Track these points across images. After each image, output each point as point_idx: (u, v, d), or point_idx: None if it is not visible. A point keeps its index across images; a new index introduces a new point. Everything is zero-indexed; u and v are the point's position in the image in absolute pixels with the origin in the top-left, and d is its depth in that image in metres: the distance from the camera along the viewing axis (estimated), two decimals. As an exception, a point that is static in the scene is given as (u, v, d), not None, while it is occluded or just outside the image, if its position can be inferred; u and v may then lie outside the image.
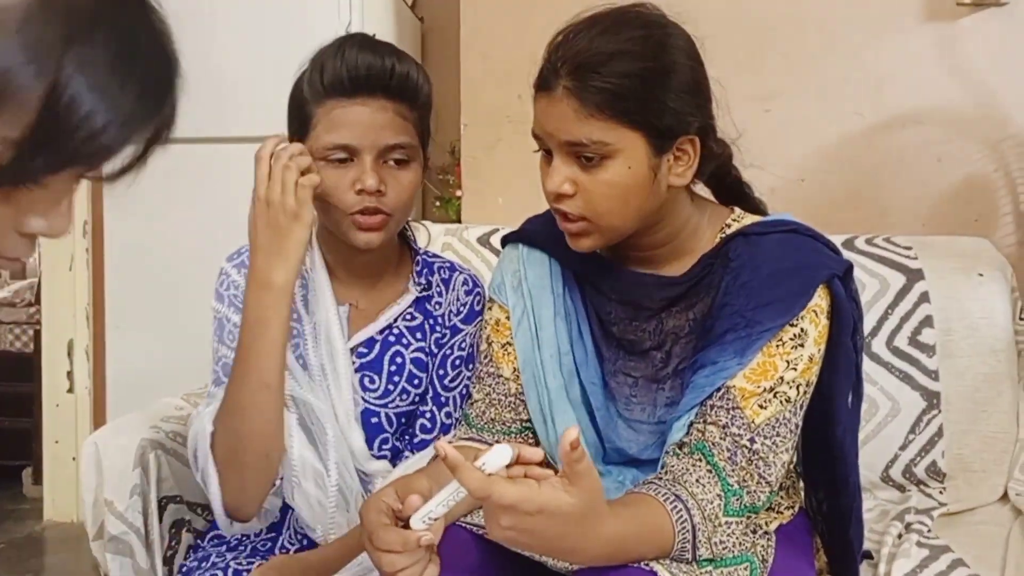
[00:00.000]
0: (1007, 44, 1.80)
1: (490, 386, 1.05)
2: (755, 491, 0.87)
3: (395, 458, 1.14)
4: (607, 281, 1.00)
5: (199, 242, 2.11)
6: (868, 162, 1.87)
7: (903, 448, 1.39)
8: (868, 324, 1.41)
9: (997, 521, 1.32)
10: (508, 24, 1.99)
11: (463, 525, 0.92)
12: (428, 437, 1.13)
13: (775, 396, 0.88)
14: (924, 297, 1.43)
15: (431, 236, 1.58)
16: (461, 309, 1.16)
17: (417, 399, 1.14)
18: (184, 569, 1.13)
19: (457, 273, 1.19)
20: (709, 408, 0.89)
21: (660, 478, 0.87)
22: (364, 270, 1.14)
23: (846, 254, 0.97)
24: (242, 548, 1.11)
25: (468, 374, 1.15)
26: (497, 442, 0.97)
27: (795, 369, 0.89)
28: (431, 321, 1.15)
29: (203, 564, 1.09)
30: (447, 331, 1.15)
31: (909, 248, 1.49)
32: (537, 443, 1.04)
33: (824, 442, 0.98)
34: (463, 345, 1.15)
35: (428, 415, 1.14)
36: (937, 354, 1.41)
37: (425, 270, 1.17)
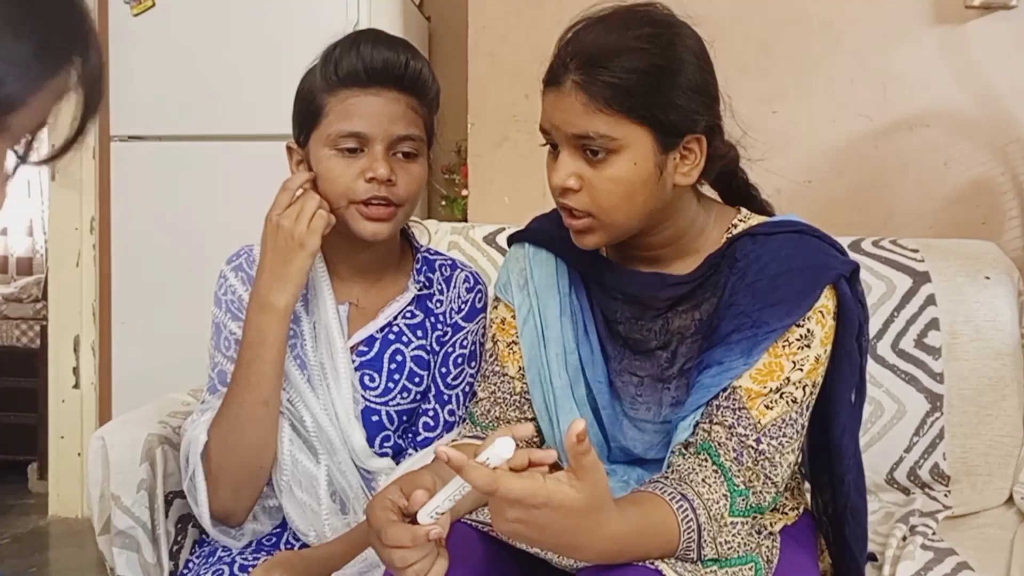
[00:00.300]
0: (1015, 47, 1.79)
1: (495, 384, 1.05)
2: (761, 492, 0.87)
3: (397, 456, 1.15)
4: (613, 281, 1.00)
5: (205, 238, 2.12)
6: (875, 164, 1.86)
7: (908, 451, 1.39)
8: (874, 326, 1.40)
9: (1002, 524, 1.32)
10: (515, 23, 1.99)
11: (468, 522, 0.92)
12: (431, 435, 1.14)
13: (781, 397, 0.88)
14: (930, 300, 1.43)
15: (431, 235, 1.59)
16: (462, 307, 1.16)
17: (419, 397, 1.14)
18: (190, 564, 1.13)
19: (458, 270, 1.19)
20: (715, 408, 0.89)
21: (666, 477, 0.87)
22: (365, 268, 1.14)
23: (852, 256, 0.97)
24: (247, 543, 1.12)
25: (470, 371, 1.15)
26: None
27: (801, 370, 0.89)
28: (432, 319, 1.15)
29: (209, 559, 1.10)
30: (448, 329, 1.15)
31: (916, 251, 1.48)
32: (542, 442, 1.04)
33: (824, 442, 0.98)
34: (465, 343, 1.15)
35: (431, 413, 1.14)
36: (943, 357, 1.41)
37: (425, 267, 1.17)
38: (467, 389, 1.15)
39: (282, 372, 1.05)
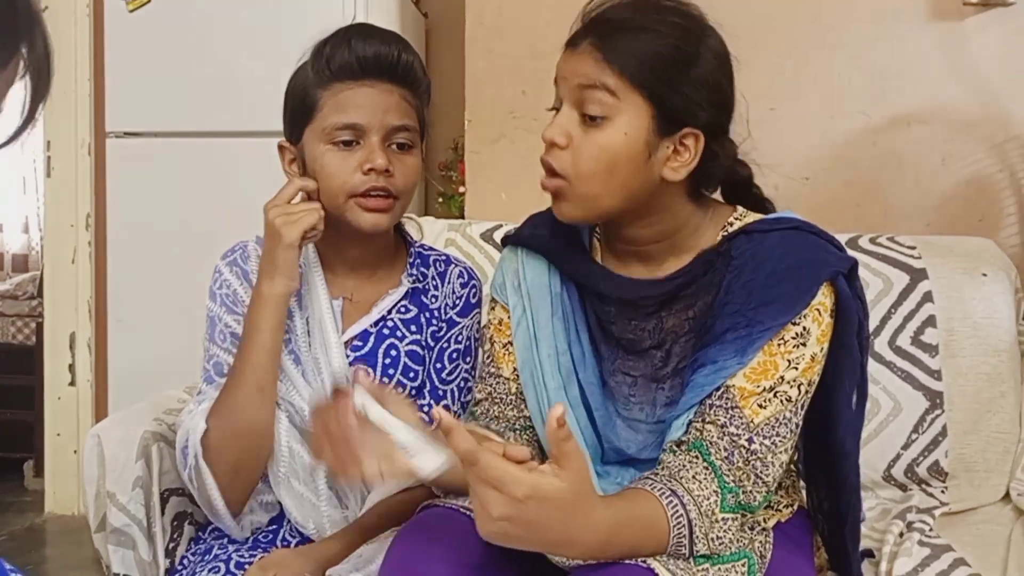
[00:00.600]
0: (1013, 44, 1.79)
1: (492, 386, 1.05)
2: (751, 491, 0.87)
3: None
4: (605, 287, 0.99)
5: (201, 235, 2.11)
6: (873, 162, 1.86)
7: (905, 448, 1.39)
8: (871, 323, 1.40)
9: (999, 521, 1.32)
10: (512, 20, 1.99)
11: (467, 512, 0.91)
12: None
13: (775, 396, 0.88)
14: (928, 297, 1.43)
15: (423, 231, 1.58)
16: (457, 302, 1.16)
17: (414, 392, 1.14)
18: (186, 561, 1.13)
19: (453, 266, 1.19)
20: (708, 407, 0.88)
21: (656, 474, 0.87)
22: (359, 262, 1.14)
23: (850, 253, 0.97)
24: (243, 541, 1.12)
25: (465, 367, 1.15)
26: (500, 434, 0.98)
27: (796, 368, 0.88)
28: (427, 314, 1.15)
29: (205, 557, 1.10)
30: (443, 324, 1.15)
31: (913, 248, 1.48)
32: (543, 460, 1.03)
33: (825, 442, 0.98)
34: (460, 338, 1.15)
35: (427, 409, 1.14)
36: (940, 354, 1.41)
37: (419, 262, 1.17)
38: (462, 384, 1.15)
39: (277, 359, 1.06)
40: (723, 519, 0.85)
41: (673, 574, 0.81)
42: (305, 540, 1.10)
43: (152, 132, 2.35)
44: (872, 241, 1.51)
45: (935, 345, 1.41)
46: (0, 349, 3.01)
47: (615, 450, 0.98)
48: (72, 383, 2.54)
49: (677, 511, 0.83)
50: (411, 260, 1.17)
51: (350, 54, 1.04)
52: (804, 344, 0.89)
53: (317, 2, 2.15)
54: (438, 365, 1.14)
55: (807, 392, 0.90)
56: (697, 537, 0.83)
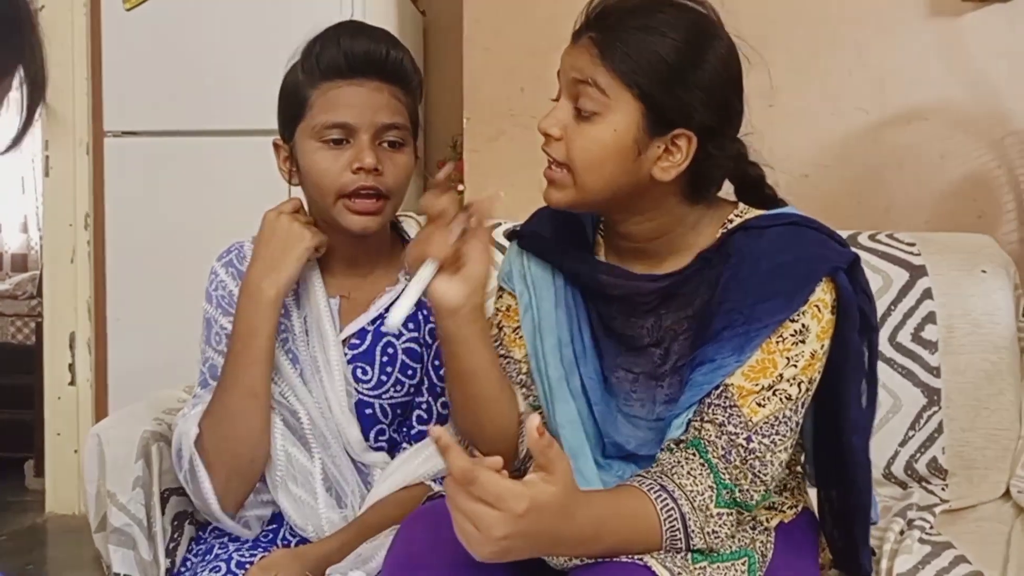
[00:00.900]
0: (1011, 41, 1.79)
1: (502, 367, 1.04)
2: (748, 490, 0.86)
3: (393, 450, 1.15)
4: (605, 284, 0.99)
5: (200, 235, 2.10)
6: (872, 158, 1.86)
7: (903, 444, 1.39)
8: (871, 320, 1.40)
9: (999, 518, 1.32)
10: (510, 18, 1.98)
11: None
12: (425, 428, 1.14)
13: (774, 394, 0.87)
14: (927, 293, 1.43)
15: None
16: None
17: (412, 390, 1.14)
18: (186, 561, 1.13)
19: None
20: (706, 406, 0.88)
21: (648, 471, 0.87)
22: (355, 261, 1.14)
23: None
24: (244, 540, 1.12)
25: None
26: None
27: (795, 366, 0.88)
28: (424, 311, 1.15)
29: (206, 556, 1.10)
30: None
31: (912, 244, 1.48)
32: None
33: (834, 439, 0.96)
34: None
35: (424, 406, 1.14)
36: (939, 351, 1.41)
37: None
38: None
39: (271, 364, 1.06)
40: (719, 514, 0.85)
41: (671, 572, 0.81)
42: (305, 540, 1.10)
43: (150, 131, 2.34)
44: (871, 238, 1.51)
45: (935, 342, 1.41)
46: (0, 349, 3.01)
47: (615, 445, 0.98)
48: (72, 383, 2.54)
49: (667, 505, 0.83)
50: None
51: (339, 52, 1.04)
52: (803, 341, 0.88)
53: (315, 1, 2.14)
54: (436, 362, 1.14)
55: (807, 390, 0.90)
56: (692, 531, 0.83)
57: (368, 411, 1.12)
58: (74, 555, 2.31)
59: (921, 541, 1.18)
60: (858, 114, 1.86)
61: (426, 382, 1.14)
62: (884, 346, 1.42)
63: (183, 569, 1.12)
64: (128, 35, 2.32)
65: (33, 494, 2.73)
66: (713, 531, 0.85)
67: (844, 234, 1.43)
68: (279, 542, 1.11)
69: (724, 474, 0.86)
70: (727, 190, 1.01)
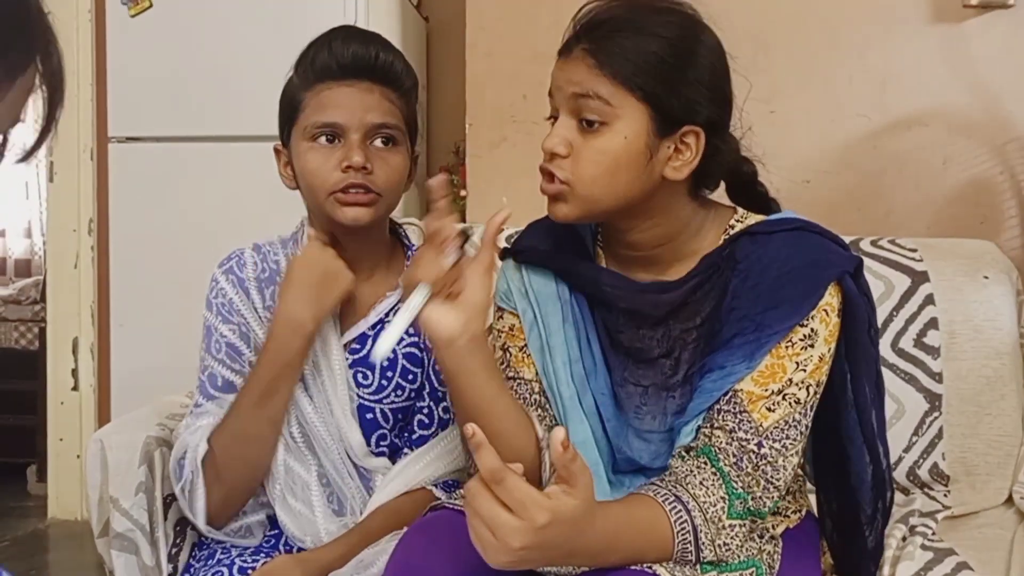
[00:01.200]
0: (1013, 46, 1.80)
1: (512, 390, 1.02)
2: (761, 496, 0.86)
3: (394, 455, 1.15)
4: (610, 294, 0.98)
5: (203, 240, 2.11)
6: (873, 164, 1.86)
7: (906, 450, 1.39)
8: (873, 326, 1.40)
9: (1002, 524, 1.31)
10: (513, 24, 1.99)
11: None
12: (427, 433, 1.14)
13: (784, 398, 0.87)
14: (929, 299, 1.43)
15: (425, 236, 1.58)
16: None
17: (413, 395, 1.14)
18: (189, 567, 1.13)
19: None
20: (716, 413, 0.88)
21: (662, 480, 0.87)
22: (355, 265, 1.13)
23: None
24: (246, 546, 1.12)
25: None
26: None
27: (804, 370, 0.88)
28: None
29: (208, 562, 1.10)
30: None
31: (914, 250, 1.48)
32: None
33: (838, 441, 0.96)
34: None
35: (425, 411, 1.15)
36: (941, 356, 1.41)
37: None
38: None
39: (293, 393, 1.06)
40: (730, 525, 0.85)
41: (680, 582, 0.81)
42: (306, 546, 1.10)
43: (154, 137, 2.35)
44: (873, 244, 1.50)
45: (937, 347, 1.41)
46: (3, 354, 3.01)
47: (627, 460, 0.98)
48: (75, 388, 2.54)
49: (681, 516, 0.82)
50: (408, 263, 1.17)
51: (330, 56, 1.06)
52: (812, 346, 0.88)
53: (318, 8, 2.15)
54: (437, 367, 1.14)
55: (816, 394, 0.90)
56: (703, 543, 0.83)
57: (369, 416, 1.12)
58: (76, 560, 2.31)
59: (923, 547, 1.17)
60: (860, 120, 1.86)
61: (427, 387, 1.15)
62: (886, 351, 1.42)
63: (185, 574, 1.12)
64: (132, 41, 2.33)
65: (36, 499, 2.73)
66: (724, 543, 0.85)
67: (846, 240, 1.44)
68: (281, 548, 1.12)
69: (736, 483, 0.85)
70: (720, 192, 1.02)
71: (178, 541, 1.17)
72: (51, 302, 2.58)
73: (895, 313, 1.43)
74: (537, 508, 0.72)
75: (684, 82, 0.88)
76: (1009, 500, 1.38)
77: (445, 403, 1.14)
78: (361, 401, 1.12)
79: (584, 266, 1.00)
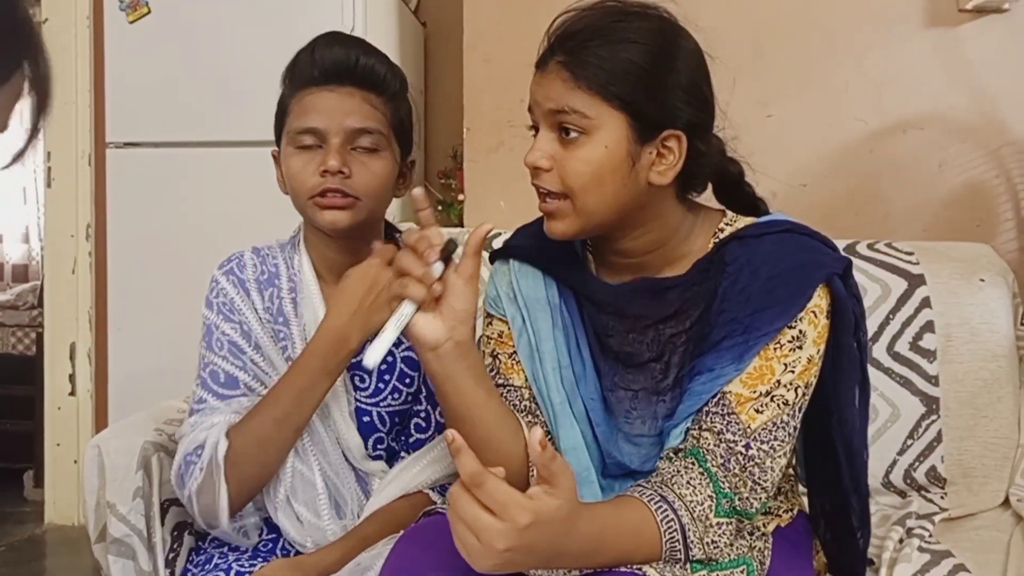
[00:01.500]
0: (1008, 50, 1.80)
1: (503, 396, 1.02)
2: (748, 497, 0.87)
3: (391, 458, 1.15)
4: (601, 294, 0.98)
5: (201, 245, 2.11)
6: (870, 167, 1.87)
7: (901, 453, 1.39)
8: (869, 329, 1.41)
9: (998, 526, 1.32)
10: (510, 28, 1.99)
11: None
12: (423, 436, 1.14)
13: (772, 400, 0.88)
14: (925, 302, 1.43)
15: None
16: None
17: (410, 398, 1.14)
18: (186, 572, 1.13)
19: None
20: (705, 415, 0.88)
21: (648, 481, 0.87)
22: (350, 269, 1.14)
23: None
24: (243, 550, 1.12)
25: None
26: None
27: (793, 372, 0.88)
28: None
29: (206, 566, 1.10)
30: None
31: (911, 253, 1.49)
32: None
33: (828, 443, 0.97)
34: None
35: (423, 414, 1.15)
36: (938, 359, 1.41)
37: None
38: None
39: (321, 404, 1.06)
40: (718, 523, 0.85)
41: (669, 582, 0.81)
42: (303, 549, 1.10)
43: (152, 142, 2.35)
44: (870, 247, 1.51)
45: (933, 351, 1.41)
46: (0, 359, 3.01)
47: (617, 464, 0.98)
48: (72, 393, 2.54)
49: (667, 516, 0.83)
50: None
51: (312, 61, 1.07)
52: (800, 347, 0.88)
53: (317, 14, 2.16)
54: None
55: (804, 395, 0.90)
56: (692, 542, 0.83)
57: (366, 419, 1.12)
58: (73, 566, 2.31)
59: (920, 550, 1.18)
60: (856, 124, 1.87)
61: (424, 390, 1.15)
62: (882, 355, 1.42)
63: (183, 579, 1.12)
64: (130, 47, 2.33)
65: (33, 504, 2.73)
66: (712, 541, 0.85)
67: (843, 243, 1.46)
68: (278, 552, 1.11)
69: (723, 483, 0.86)
70: (711, 197, 1.02)
71: (175, 546, 1.17)
72: (49, 307, 2.58)
73: (891, 316, 1.43)
74: (519, 509, 0.72)
75: (661, 87, 0.88)
76: (1006, 502, 1.38)
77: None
78: (359, 404, 1.12)
79: (575, 267, 1.00)
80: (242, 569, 1.07)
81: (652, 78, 0.87)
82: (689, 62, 0.90)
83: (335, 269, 1.14)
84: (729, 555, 0.86)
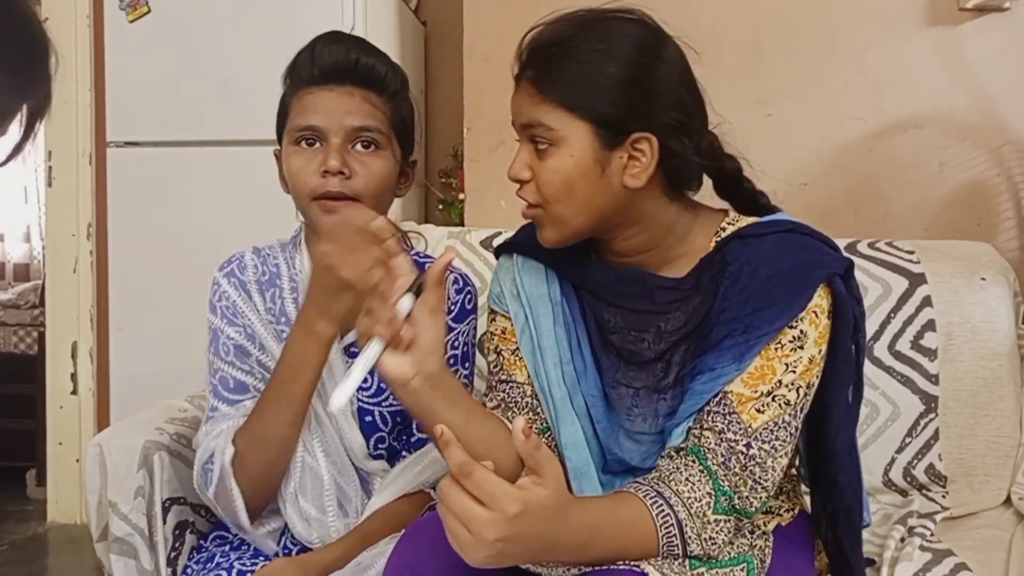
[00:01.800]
0: (1009, 49, 1.80)
1: (504, 393, 1.03)
2: (748, 496, 0.87)
3: (392, 458, 1.15)
4: (603, 281, 0.99)
5: (203, 244, 2.12)
6: (870, 167, 1.87)
7: (899, 451, 1.40)
8: (870, 328, 1.41)
9: (1000, 525, 1.32)
10: (511, 27, 1.98)
11: None
12: (425, 436, 1.14)
13: (773, 400, 0.88)
14: (926, 301, 1.43)
15: (428, 242, 1.59)
16: (452, 308, 1.16)
17: None
18: (187, 570, 1.13)
19: (448, 272, 1.19)
20: (706, 414, 0.89)
21: (646, 478, 0.88)
22: None
23: (847, 257, 0.96)
24: (245, 548, 1.12)
25: (464, 372, 1.16)
26: None
27: (794, 371, 0.88)
28: None
29: (207, 565, 1.10)
30: None
31: (912, 252, 1.49)
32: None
33: (821, 442, 0.97)
34: (456, 344, 1.15)
35: None
36: (939, 358, 1.41)
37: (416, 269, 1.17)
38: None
39: (311, 397, 1.06)
40: (715, 520, 0.85)
41: (667, 577, 0.81)
42: (305, 548, 1.11)
43: (153, 141, 2.36)
44: (871, 246, 1.51)
45: (934, 349, 1.41)
46: (2, 358, 3.01)
47: (618, 460, 0.98)
48: (74, 392, 2.54)
49: (663, 511, 0.83)
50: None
51: (311, 61, 1.07)
52: (802, 347, 0.89)
53: (317, 13, 2.16)
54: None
55: (806, 395, 0.90)
56: (689, 537, 0.83)
57: (368, 418, 1.12)
58: (75, 565, 2.31)
59: (922, 548, 1.18)
60: (856, 123, 1.86)
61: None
62: (884, 354, 1.43)
63: (185, 578, 1.12)
64: (131, 46, 2.33)
65: (35, 503, 2.73)
66: (710, 538, 0.85)
67: (843, 242, 1.46)
68: (280, 551, 1.12)
69: (723, 481, 0.86)
70: (711, 195, 1.02)
71: (177, 545, 1.18)
72: (50, 306, 2.58)
73: (892, 315, 1.43)
74: (508, 498, 0.72)
75: (617, 89, 0.88)
76: (1007, 501, 1.38)
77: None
78: (360, 403, 1.12)
79: (579, 258, 1.00)
80: (244, 568, 1.07)
81: (607, 84, 0.88)
82: (666, 67, 0.90)
83: None
84: (728, 553, 0.87)
